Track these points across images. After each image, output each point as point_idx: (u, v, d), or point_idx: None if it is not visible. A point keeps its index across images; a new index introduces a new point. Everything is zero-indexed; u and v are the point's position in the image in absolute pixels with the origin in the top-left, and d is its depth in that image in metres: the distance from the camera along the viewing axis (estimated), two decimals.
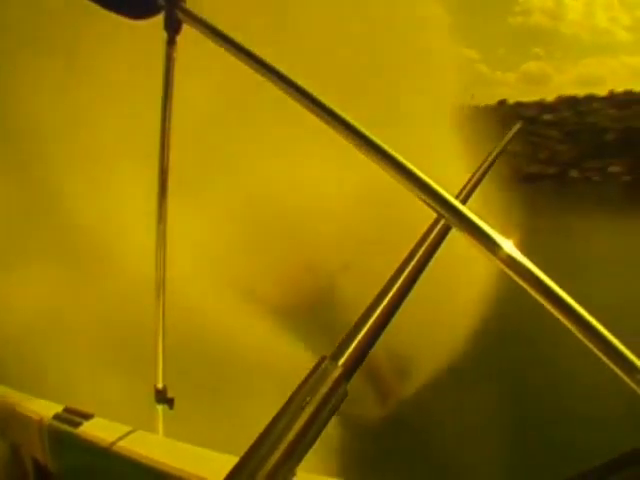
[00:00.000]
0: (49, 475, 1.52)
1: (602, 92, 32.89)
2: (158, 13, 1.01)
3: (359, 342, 0.68)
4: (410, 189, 0.70)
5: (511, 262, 0.64)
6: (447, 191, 0.70)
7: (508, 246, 0.65)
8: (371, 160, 0.74)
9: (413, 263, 0.80)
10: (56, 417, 1.51)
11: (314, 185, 6.04)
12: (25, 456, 1.69)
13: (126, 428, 1.32)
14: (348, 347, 0.67)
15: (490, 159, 1.31)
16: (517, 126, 1.62)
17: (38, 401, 1.72)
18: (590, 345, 0.59)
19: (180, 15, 0.96)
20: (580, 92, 33.52)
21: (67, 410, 1.53)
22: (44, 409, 1.61)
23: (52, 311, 4.26)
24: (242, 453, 0.58)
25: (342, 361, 0.66)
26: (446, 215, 0.69)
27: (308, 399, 0.61)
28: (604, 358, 0.58)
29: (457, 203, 0.68)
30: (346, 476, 3.85)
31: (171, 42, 1.04)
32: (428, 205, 0.70)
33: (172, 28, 1.01)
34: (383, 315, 0.72)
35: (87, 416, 1.45)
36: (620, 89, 32.81)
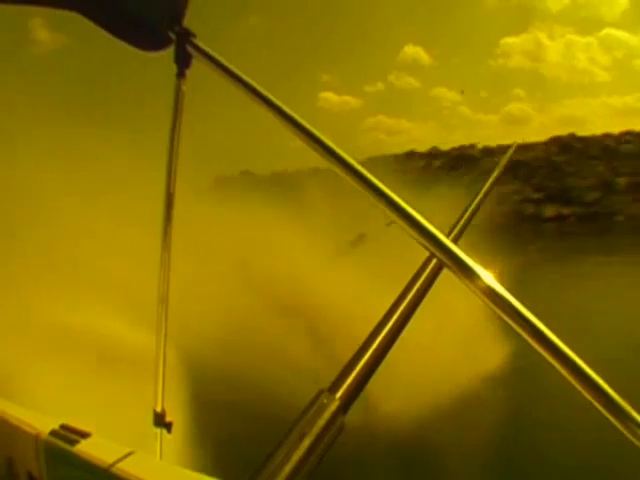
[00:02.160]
0: None
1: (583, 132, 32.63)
2: (168, 46, 1.05)
3: (355, 376, 0.70)
4: (403, 227, 0.73)
5: (491, 293, 0.66)
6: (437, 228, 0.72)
7: (489, 279, 0.67)
8: (369, 199, 0.76)
9: (407, 299, 0.83)
10: (53, 433, 1.51)
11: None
12: (20, 470, 1.69)
13: (125, 450, 1.32)
14: (345, 381, 0.70)
15: (480, 196, 1.33)
16: (502, 163, 1.64)
17: (34, 415, 1.72)
18: (565, 373, 0.61)
19: (190, 50, 0.99)
20: (562, 132, 33.62)
21: (64, 427, 1.53)
22: (40, 424, 1.61)
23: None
24: None
25: (339, 394, 0.68)
26: (432, 249, 0.71)
27: (306, 431, 0.64)
28: (576, 384, 0.61)
29: (443, 238, 0.71)
30: None
31: (181, 75, 1.07)
32: (418, 241, 0.72)
33: (182, 62, 1.04)
34: (379, 350, 0.75)
35: (84, 434, 1.45)
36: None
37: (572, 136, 32.94)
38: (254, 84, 0.90)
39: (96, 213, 6.10)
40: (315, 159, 0.81)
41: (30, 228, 5.34)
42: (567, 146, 31.80)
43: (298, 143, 0.84)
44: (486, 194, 1.36)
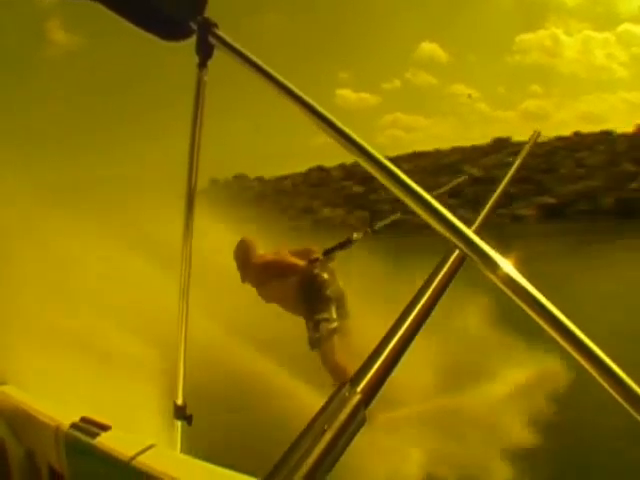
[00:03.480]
0: None
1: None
2: (190, 37, 1.04)
3: (377, 370, 0.69)
4: (427, 219, 0.72)
5: (509, 281, 0.66)
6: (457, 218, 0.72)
7: (512, 270, 0.67)
8: (391, 189, 0.75)
9: (429, 292, 0.82)
10: (73, 426, 1.53)
11: None
12: (40, 462, 1.71)
13: (145, 443, 1.33)
14: (366, 375, 0.69)
15: (501, 186, 1.31)
16: (523, 153, 1.59)
17: (54, 408, 1.75)
18: (580, 359, 0.61)
19: (212, 40, 0.99)
20: (581, 128, 33.12)
21: (84, 420, 1.55)
22: (61, 416, 1.63)
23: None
24: (262, 475, 0.60)
25: (360, 388, 0.67)
26: (453, 238, 0.71)
27: (327, 425, 0.63)
28: (592, 371, 0.61)
29: (466, 229, 0.71)
30: None
31: (202, 65, 1.06)
32: (439, 231, 0.72)
33: (204, 52, 1.03)
34: (400, 343, 0.74)
35: (104, 427, 1.47)
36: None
37: None
38: (276, 74, 0.90)
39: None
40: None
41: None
42: None
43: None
44: (507, 184, 1.34)
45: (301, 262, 4.01)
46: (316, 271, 3.89)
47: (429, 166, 33.43)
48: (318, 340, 3.62)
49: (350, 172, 34.47)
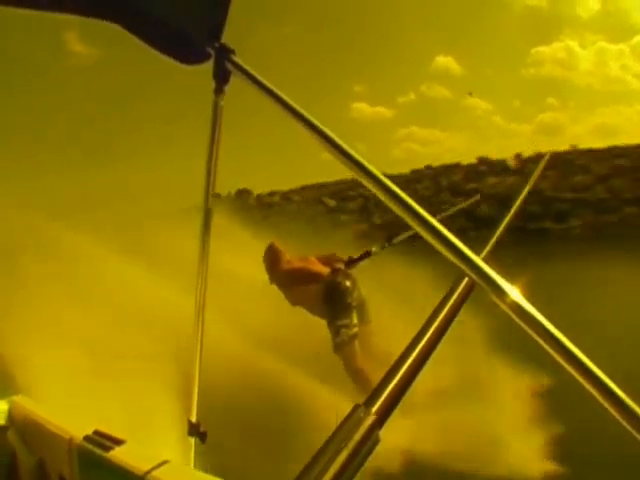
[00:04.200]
0: None
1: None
2: (207, 61, 1.08)
3: (390, 392, 0.72)
4: (435, 245, 0.74)
5: (517, 309, 0.68)
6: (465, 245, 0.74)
7: (521, 299, 0.69)
8: (401, 215, 0.78)
9: (440, 317, 0.85)
10: (87, 438, 1.55)
11: None
12: (51, 472, 1.73)
13: (159, 458, 1.34)
14: (380, 396, 0.71)
15: (512, 211, 1.33)
16: (535, 177, 1.59)
17: (67, 419, 1.76)
18: (590, 388, 0.62)
19: (229, 66, 1.02)
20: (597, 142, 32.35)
21: (97, 433, 1.56)
22: (73, 428, 1.64)
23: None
24: None
25: (375, 409, 0.69)
26: (464, 267, 0.73)
27: (343, 444, 0.65)
28: (604, 402, 0.61)
29: (474, 257, 0.73)
30: None
31: (219, 91, 1.10)
32: (449, 259, 0.74)
33: (221, 78, 1.06)
34: (413, 366, 0.76)
35: (118, 441, 1.48)
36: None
37: None
38: (291, 102, 0.93)
39: None
40: None
41: None
42: None
43: None
44: (518, 209, 1.35)
45: (325, 270, 4.26)
46: (339, 279, 4.14)
47: None
48: (339, 345, 3.81)
49: None
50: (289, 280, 4.29)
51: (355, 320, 3.95)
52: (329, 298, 4.04)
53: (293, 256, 4.55)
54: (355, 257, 4.26)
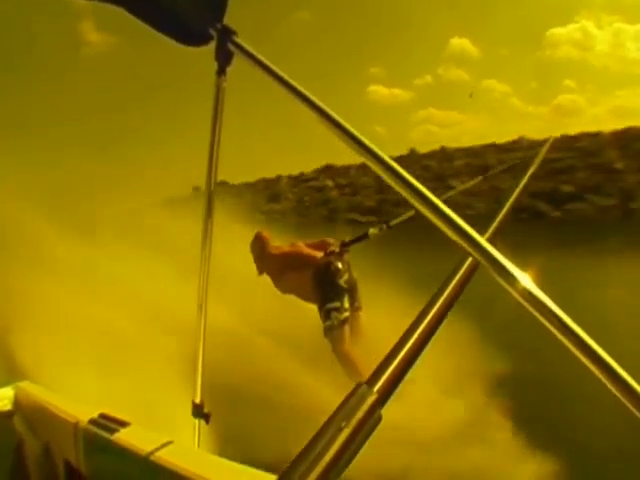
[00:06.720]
0: (80, 477, 1.56)
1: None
2: (208, 42, 1.07)
3: (392, 371, 0.72)
4: (440, 226, 0.74)
5: (528, 296, 0.67)
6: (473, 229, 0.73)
7: (524, 278, 0.68)
8: (407, 198, 0.77)
9: (443, 297, 0.85)
10: (92, 422, 1.56)
11: None
12: (57, 457, 1.75)
13: (163, 439, 1.35)
14: (382, 375, 0.71)
15: (515, 194, 1.32)
16: (538, 160, 1.59)
17: (73, 404, 1.78)
18: (604, 379, 0.61)
19: (231, 47, 1.01)
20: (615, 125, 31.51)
21: (102, 416, 1.58)
22: (79, 412, 1.66)
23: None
24: (280, 471, 0.62)
25: (377, 388, 0.70)
26: (471, 251, 0.72)
27: (345, 423, 0.65)
28: (613, 388, 0.60)
29: (479, 237, 0.72)
30: None
31: (221, 72, 1.09)
32: (456, 241, 0.73)
33: (223, 59, 1.06)
34: (415, 345, 0.77)
35: (123, 424, 1.49)
36: None
37: None
38: (294, 83, 0.92)
39: None
40: None
41: None
42: None
43: None
44: (521, 191, 1.35)
45: (317, 254, 4.11)
46: (330, 260, 4.00)
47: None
48: (329, 328, 3.71)
49: None
50: (280, 265, 4.18)
51: (347, 304, 3.84)
52: (320, 280, 3.93)
53: (280, 243, 4.42)
54: (351, 239, 4.09)
